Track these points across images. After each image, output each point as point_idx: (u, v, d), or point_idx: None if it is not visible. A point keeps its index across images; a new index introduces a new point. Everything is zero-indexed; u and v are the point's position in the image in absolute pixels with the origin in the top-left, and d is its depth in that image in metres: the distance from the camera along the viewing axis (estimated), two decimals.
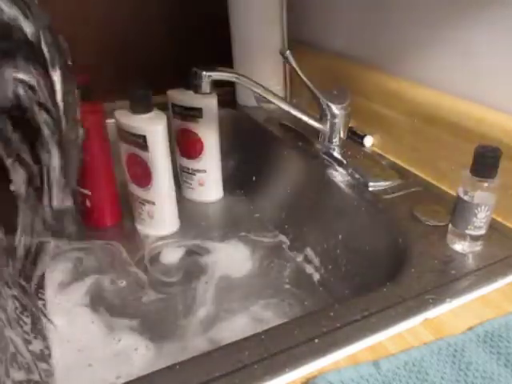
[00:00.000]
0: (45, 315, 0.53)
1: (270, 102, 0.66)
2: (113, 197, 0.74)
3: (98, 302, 0.60)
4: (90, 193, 0.71)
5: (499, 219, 0.52)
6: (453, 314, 0.40)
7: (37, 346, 0.51)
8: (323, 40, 0.83)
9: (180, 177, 0.81)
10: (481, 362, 0.35)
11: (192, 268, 0.66)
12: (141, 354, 0.53)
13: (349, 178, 0.63)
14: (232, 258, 0.68)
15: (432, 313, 0.40)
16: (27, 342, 0.49)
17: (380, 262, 0.54)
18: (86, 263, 0.66)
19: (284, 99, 0.71)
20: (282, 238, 0.72)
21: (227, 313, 0.58)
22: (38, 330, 0.53)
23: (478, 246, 0.47)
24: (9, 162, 0.30)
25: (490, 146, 0.43)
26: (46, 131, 0.30)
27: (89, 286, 0.62)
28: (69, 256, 0.67)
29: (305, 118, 0.68)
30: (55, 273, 0.64)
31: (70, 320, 0.57)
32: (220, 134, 0.77)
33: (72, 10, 0.83)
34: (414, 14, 0.63)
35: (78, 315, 0.58)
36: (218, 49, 0.84)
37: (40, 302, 0.58)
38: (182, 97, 0.74)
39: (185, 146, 0.78)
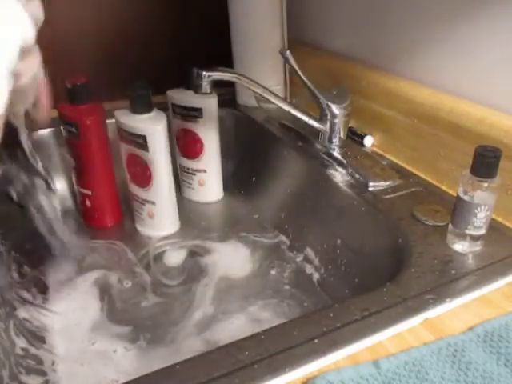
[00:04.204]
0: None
1: (270, 101, 0.66)
2: (113, 197, 0.74)
3: (100, 301, 0.60)
4: (90, 192, 0.71)
5: (499, 219, 0.52)
6: (453, 314, 0.40)
7: (47, 348, 0.51)
8: (323, 40, 0.83)
9: (180, 177, 0.81)
10: (481, 362, 0.35)
11: (192, 269, 0.66)
12: (140, 355, 0.53)
13: (349, 177, 0.63)
14: (232, 259, 0.68)
15: (432, 313, 0.40)
16: (38, 342, 0.50)
17: (380, 262, 0.54)
18: (89, 262, 0.66)
19: (284, 99, 0.71)
20: (282, 238, 0.72)
21: (227, 314, 0.58)
22: (44, 332, 0.54)
23: (477, 246, 0.47)
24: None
25: (490, 146, 0.43)
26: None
27: (92, 286, 0.62)
28: (72, 255, 0.67)
29: (305, 118, 0.68)
30: (58, 271, 0.64)
31: (73, 319, 0.57)
32: (220, 134, 0.77)
33: (72, 11, 0.83)
34: (414, 14, 0.63)
35: (80, 314, 0.58)
36: (218, 49, 0.84)
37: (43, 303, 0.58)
38: (182, 97, 0.74)
39: (185, 146, 0.78)
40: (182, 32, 0.91)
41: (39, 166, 0.37)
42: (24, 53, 0.22)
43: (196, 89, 0.62)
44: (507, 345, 0.36)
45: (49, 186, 0.38)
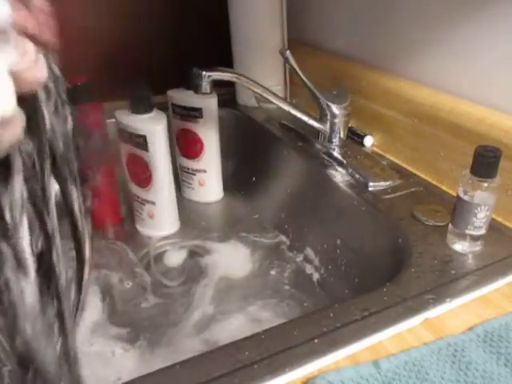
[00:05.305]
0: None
1: (270, 101, 0.66)
2: (113, 197, 0.74)
3: (101, 301, 0.60)
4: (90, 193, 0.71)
5: (499, 219, 0.52)
6: (453, 314, 0.40)
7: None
8: (323, 40, 0.83)
9: (180, 177, 0.81)
10: (481, 362, 0.35)
11: (192, 269, 0.66)
12: (141, 356, 0.53)
13: (349, 177, 0.63)
14: (232, 259, 0.68)
15: (432, 313, 0.40)
16: None
17: (380, 262, 0.54)
18: (89, 262, 0.66)
19: (284, 99, 0.71)
20: (282, 238, 0.72)
21: (226, 314, 0.58)
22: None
23: (477, 246, 0.47)
24: None
25: (490, 146, 0.43)
26: None
27: (92, 286, 0.62)
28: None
29: (305, 118, 0.68)
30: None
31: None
32: (220, 134, 0.77)
33: (72, 10, 0.83)
34: (414, 14, 0.63)
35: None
36: (218, 49, 0.84)
37: None
38: (182, 97, 0.74)
39: (185, 146, 0.78)
40: (182, 32, 0.91)
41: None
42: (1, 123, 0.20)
43: (196, 89, 0.62)
44: (507, 345, 0.36)
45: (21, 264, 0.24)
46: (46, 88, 0.25)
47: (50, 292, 0.27)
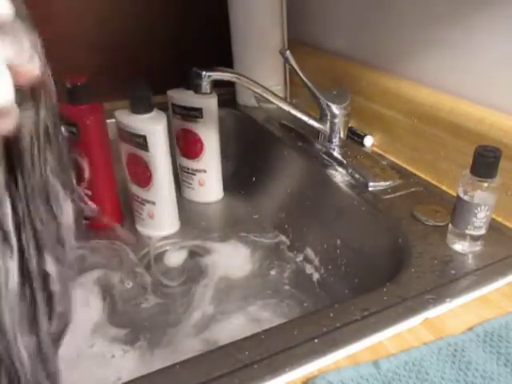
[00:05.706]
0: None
1: (270, 101, 0.66)
2: (113, 197, 0.74)
3: (102, 301, 0.60)
4: (90, 192, 0.71)
5: (499, 219, 0.52)
6: (453, 314, 0.40)
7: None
8: (323, 40, 0.83)
9: (180, 177, 0.81)
10: (481, 362, 0.35)
11: (192, 269, 0.66)
12: (141, 356, 0.53)
13: (349, 178, 0.63)
14: (232, 259, 0.68)
15: (432, 313, 0.40)
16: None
17: (380, 262, 0.54)
18: (90, 263, 0.66)
19: (284, 99, 0.71)
20: (282, 238, 0.72)
21: (226, 314, 0.58)
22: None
23: (477, 246, 0.47)
24: None
25: (490, 146, 0.44)
26: None
27: (93, 286, 0.62)
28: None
29: (305, 118, 0.68)
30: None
31: (73, 320, 0.57)
32: (220, 134, 0.77)
33: (72, 10, 0.83)
34: (414, 14, 0.63)
35: (81, 315, 0.58)
36: (218, 49, 0.84)
37: None
38: (182, 97, 0.74)
39: (185, 146, 0.78)
40: (182, 32, 0.91)
41: None
42: None
43: (196, 89, 0.62)
44: (507, 345, 0.36)
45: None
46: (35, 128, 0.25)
47: (25, 278, 0.25)
